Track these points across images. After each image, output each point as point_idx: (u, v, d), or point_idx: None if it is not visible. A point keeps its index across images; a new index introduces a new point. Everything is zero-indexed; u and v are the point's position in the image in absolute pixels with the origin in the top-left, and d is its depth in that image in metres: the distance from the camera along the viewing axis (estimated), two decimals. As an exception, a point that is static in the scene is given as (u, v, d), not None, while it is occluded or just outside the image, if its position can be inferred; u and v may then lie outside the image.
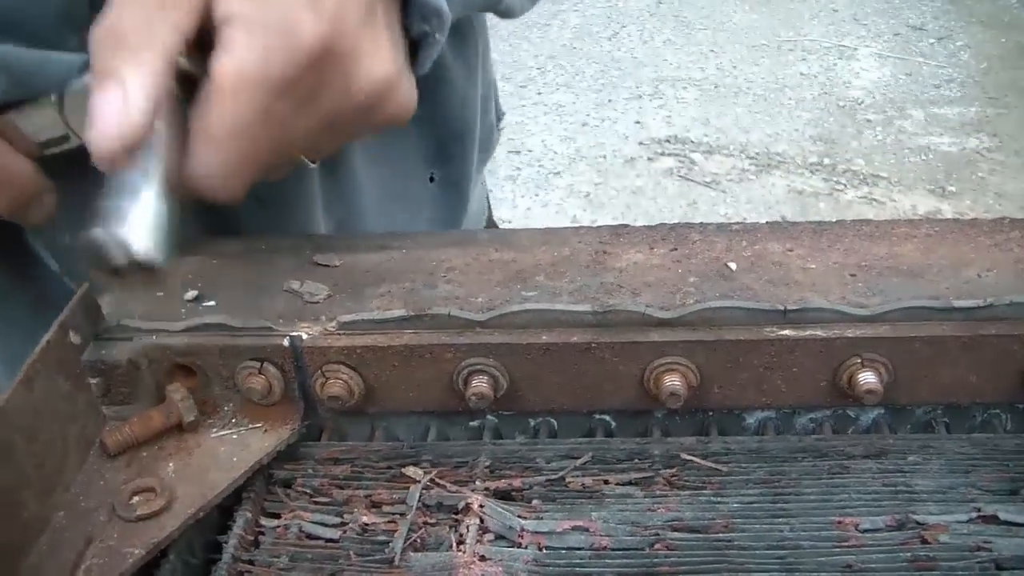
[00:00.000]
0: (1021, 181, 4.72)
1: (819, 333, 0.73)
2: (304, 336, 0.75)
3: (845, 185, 4.82)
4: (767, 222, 0.83)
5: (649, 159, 5.08)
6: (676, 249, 0.81)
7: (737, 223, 0.84)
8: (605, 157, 5.09)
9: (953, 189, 4.72)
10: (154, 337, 0.77)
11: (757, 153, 5.08)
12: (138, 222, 0.70)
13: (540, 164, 5.07)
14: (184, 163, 0.72)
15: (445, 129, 1.14)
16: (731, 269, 0.78)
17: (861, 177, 4.85)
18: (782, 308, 0.73)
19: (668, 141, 5.23)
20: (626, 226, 0.84)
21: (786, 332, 0.73)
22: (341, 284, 0.80)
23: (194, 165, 0.72)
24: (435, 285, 0.79)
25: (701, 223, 0.84)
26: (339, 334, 0.75)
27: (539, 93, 5.76)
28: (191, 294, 0.80)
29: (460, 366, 0.74)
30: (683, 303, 0.74)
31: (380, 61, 0.76)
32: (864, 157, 4.99)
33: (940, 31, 6.16)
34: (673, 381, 0.72)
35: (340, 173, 1.02)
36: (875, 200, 4.68)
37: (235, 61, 0.71)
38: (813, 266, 0.78)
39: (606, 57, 6.15)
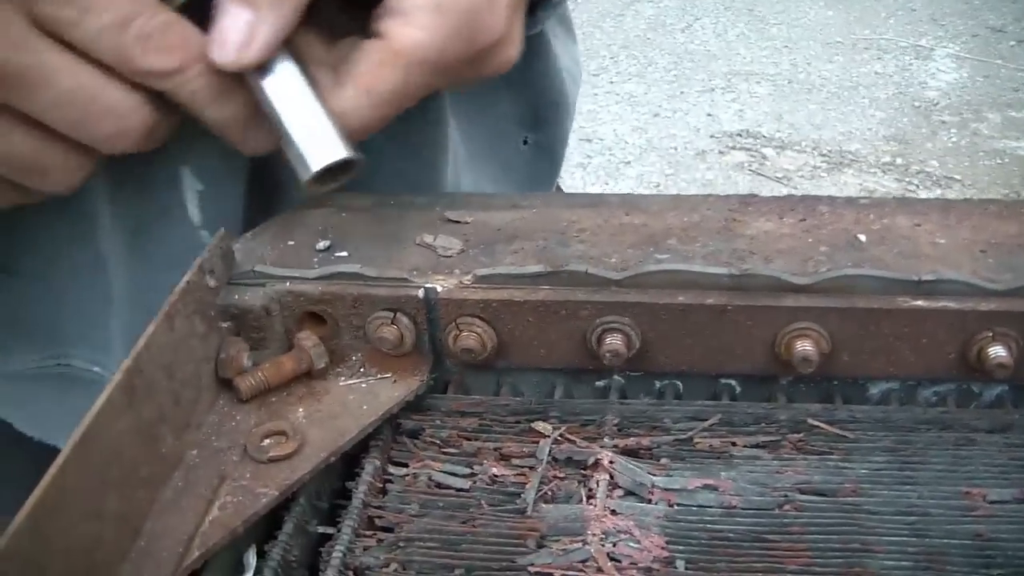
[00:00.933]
0: (1096, 187, 4.69)
1: (951, 305, 0.73)
2: (439, 288, 0.76)
3: (918, 186, 4.80)
4: (894, 197, 0.84)
5: (720, 152, 5.08)
6: (805, 220, 0.81)
7: (864, 197, 0.84)
8: (676, 149, 5.09)
9: (1027, 194, 4.69)
10: (287, 284, 0.78)
11: (829, 151, 5.06)
12: (323, 135, 0.76)
13: (611, 153, 5.07)
14: (330, 97, 0.77)
15: (541, 95, 1.17)
16: (861, 240, 0.78)
17: (934, 179, 4.82)
18: (916, 279, 0.74)
19: (740, 135, 5.22)
20: (755, 196, 0.85)
21: (919, 303, 0.73)
22: (473, 240, 0.81)
23: (345, 108, 0.77)
24: (568, 244, 0.79)
25: (829, 196, 0.85)
26: (475, 287, 0.76)
27: (611, 82, 5.77)
28: (323, 244, 0.82)
29: (595, 324, 0.75)
30: (816, 270, 0.75)
31: (517, 39, 0.83)
32: (938, 159, 4.96)
33: (1020, 34, 6.12)
34: (805, 346, 0.73)
35: (433, 127, 1.04)
36: (948, 202, 4.64)
37: (419, 38, 0.77)
38: (943, 241, 0.78)
39: (679, 49, 6.14)
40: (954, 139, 5.13)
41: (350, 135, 0.76)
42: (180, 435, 0.72)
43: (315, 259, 0.80)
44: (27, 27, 0.72)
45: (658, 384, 0.80)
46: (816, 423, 0.74)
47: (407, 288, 0.77)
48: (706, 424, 0.74)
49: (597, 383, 0.80)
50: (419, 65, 0.78)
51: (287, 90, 0.77)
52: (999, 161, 4.95)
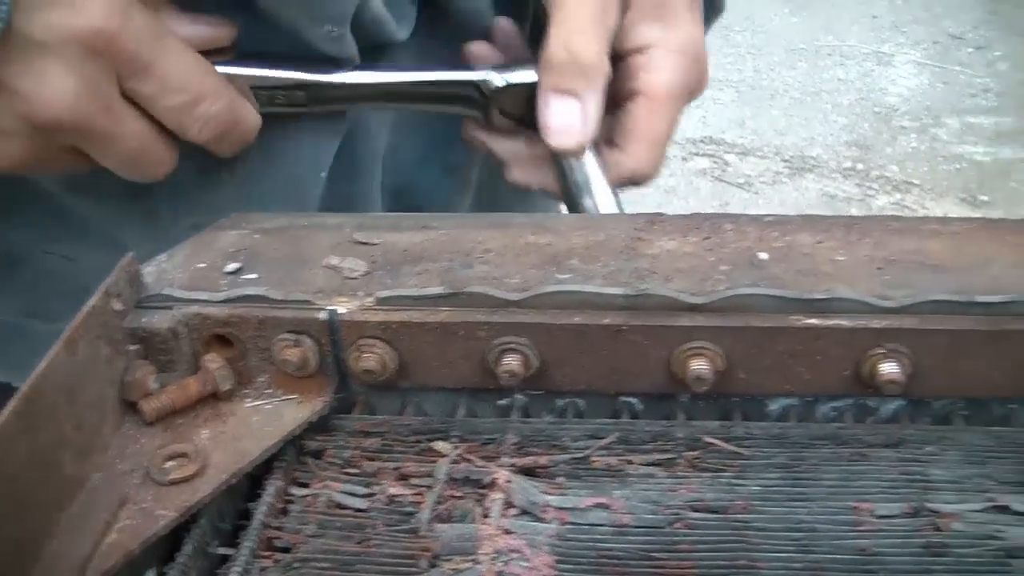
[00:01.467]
0: (1054, 192, 4.72)
1: (844, 323, 0.74)
2: (341, 310, 0.77)
3: (877, 191, 4.83)
4: (799, 215, 0.85)
5: (683, 159, 5.10)
6: (709, 238, 0.82)
7: (770, 215, 0.85)
8: (639, 155, 5.09)
9: (985, 198, 4.72)
10: (194, 307, 0.79)
11: (791, 156, 5.09)
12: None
13: (574, 159, 5.07)
14: (624, 161, 1.01)
15: None
16: (762, 258, 0.79)
17: (894, 184, 4.85)
18: (808, 297, 0.75)
19: (703, 141, 5.24)
20: (661, 215, 0.86)
21: (812, 321, 0.74)
22: (380, 261, 0.82)
23: (640, 164, 1.01)
24: (472, 265, 0.80)
25: (735, 214, 0.86)
26: (376, 309, 0.77)
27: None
28: (232, 266, 0.82)
29: (493, 344, 0.76)
30: (713, 289, 0.76)
31: None
32: (898, 164, 4.99)
33: (979, 40, 6.15)
34: (700, 365, 0.74)
35: None
36: (907, 207, 4.69)
37: (665, 79, 1.00)
38: (842, 258, 0.80)
39: (643, 56, 6.14)
40: (914, 144, 5.16)
41: (641, 180, 1.02)
42: (82, 459, 0.72)
43: (224, 282, 0.81)
44: (116, 94, 0.89)
45: (560, 402, 0.80)
46: (712, 440, 0.75)
47: (310, 311, 0.77)
48: (603, 442, 0.75)
49: (499, 402, 0.81)
50: (674, 101, 1.00)
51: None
52: (957, 166, 4.98)
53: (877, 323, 0.74)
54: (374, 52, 1.07)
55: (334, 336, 0.78)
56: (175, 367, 0.79)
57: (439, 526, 0.70)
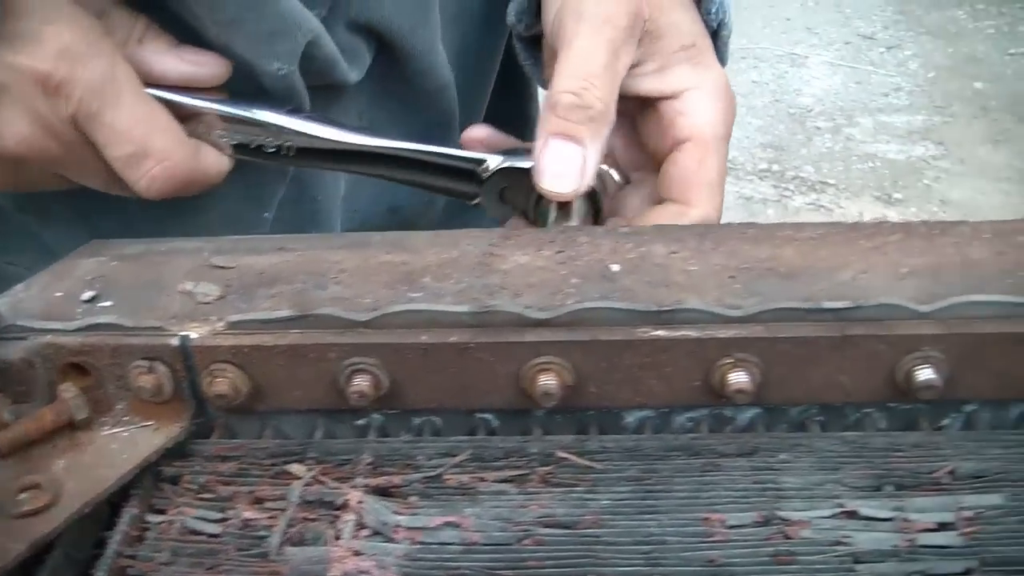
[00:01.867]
0: (965, 188, 4.78)
1: (691, 333, 0.74)
2: (193, 336, 0.77)
3: (793, 192, 4.86)
4: (653, 226, 0.85)
5: (600, 165, 5.10)
6: (562, 251, 0.82)
7: (625, 226, 0.86)
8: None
9: (899, 196, 4.76)
10: (48, 337, 0.78)
11: (707, 159, 5.09)
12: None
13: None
14: (682, 212, 0.97)
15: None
16: (613, 271, 0.79)
17: (809, 184, 4.89)
18: (656, 309, 0.75)
19: (619, 147, 5.24)
20: (517, 230, 0.86)
21: (659, 332, 0.74)
22: (235, 285, 0.81)
23: (703, 212, 0.97)
24: (325, 286, 0.80)
25: (591, 227, 0.86)
26: (227, 334, 0.77)
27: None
28: (88, 295, 0.81)
29: (343, 365, 0.76)
30: (562, 303, 0.76)
31: None
32: (813, 164, 5.03)
33: (890, 40, 6.22)
34: (548, 380, 0.74)
35: None
36: (823, 207, 4.72)
37: (711, 121, 1.00)
38: (694, 268, 0.80)
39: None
40: (828, 144, 5.21)
41: None
42: (-66, 495, 0.71)
43: (79, 310, 0.80)
44: (73, 133, 0.93)
45: (417, 421, 0.80)
46: (565, 455, 0.75)
47: (163, 337, 0.77)
48: (456, 460, 0.75)
49: (357, 422, 0.81)
50: (722, 142, 1.00)
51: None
52: (871, 165, 5.03)
53: (724, 333, 0.74)
54: (325, 94, 1.07)
55: (187, 362, 0.77)
56: (31, 397, 0.79)
57: (290, 549, 0.69)
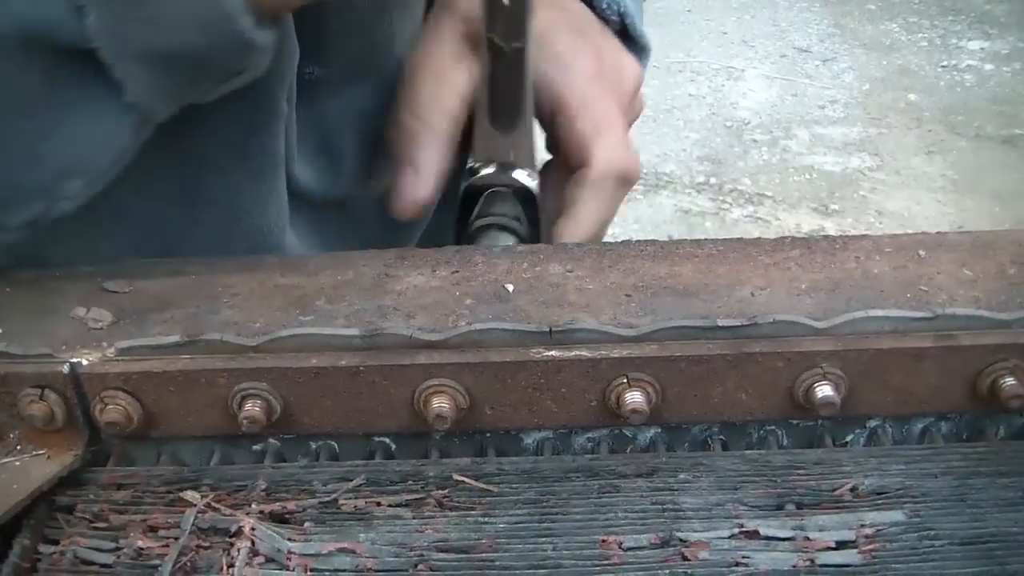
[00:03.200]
0: (901, 199, 4.81)
1: (585, 354, 0.74)
2: (84, 362, 0.75)
3: (731, 204, 4.87)
4: (550, 244, 0.84)
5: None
6: (458, 271, 0.82)
7: (522, 246, 0.85)
8: (492, 178, 5.10)
9: (836, 207, 4.79)
10: (-64, 366, 0.77)
11: (645, 173, 5.11)
12: None
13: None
14: (587, 174, 0.99)
15: None
16: (508, 291, 0.79)
17: (747, 196, 4.91)
18: (547, 329, 0.74)
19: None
20: (413, 250, 0.85)
21: (552, 353, 0.74)
22: (128, 310, 0.80)
23: (604, 164, 0.99)
24: (218, 311, 0.79)
25: (487, 246, 0.85)
26: (116, 360, 0.75)
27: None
28: (-23, 322, 0.80)
29: (234, 390, 0.75)
30: (454, 325, 0.75)
31: None
32: (750, 176, 5.05)
33: (825, 53, 6.26)
34: (441, 403, 0.73)
35: None
36: (760, 219, 4.74)
37: (579, 71, 1.01)
38: (591, 287, 0.79)
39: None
40: (765, 157, 5.23)
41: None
42: None
43: (-32, 338, 0.79)
44: None
45: (314, 445, 0.79)
46: (461, 478, 0.74)
47: (52, 364, 0.75)
48: (351, 485, 0.74)
49: (255, 447, 0.80)
50: (597, 79, 1.02)
51: None
52: (808, 176, 5.05)
53: (618, 352, 0.74)
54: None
55: (78, 389, 0.76)
56: (-76, 429, 0.77)
57: (180, 579, 0.68)
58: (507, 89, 0.96)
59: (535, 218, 1.00)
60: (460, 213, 1.02)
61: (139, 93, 0.76)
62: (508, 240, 0.98)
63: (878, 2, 6.97)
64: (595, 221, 0.99)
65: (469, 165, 1.02)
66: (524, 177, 1.00)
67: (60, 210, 0.82)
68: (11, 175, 0.79)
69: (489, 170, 1.01)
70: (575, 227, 0.97)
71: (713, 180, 5.10)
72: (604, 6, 1.07)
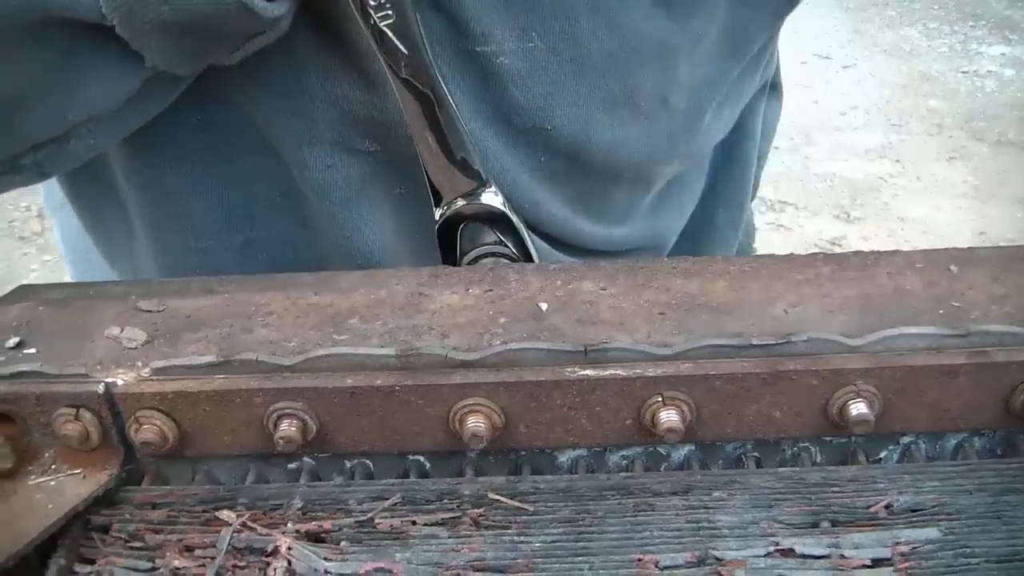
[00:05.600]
0: (922, 206, 4.79)
1: (620, 373, 0.74)
2: (119, 382, 0.76)
3: (753, 212, 4.85)
4: (584, 262, 0.84)
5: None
6: (491, 290, 0.82)
7: (556, 263, 0.85)
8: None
9: (858, 214, 4.77)
10: (-29, 385, 0.77)
11: (668, 182, 5.09)
12: None
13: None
14: None
15: None
16: (542, 309, 0.79)
17: (769, 204, 4.89)
18: (582, 348, 0.74)
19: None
20: (446, 267, 0.85)
21: (587, 372, 0.74)
22: (161, 329, 0.80)
23: None
24: (252, 330, 0.79)
25: (521, 264, 0.86)
26: (152, 380, 0.76)
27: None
28: (12, 341, 0.80)
29: (270, 410, 0.75)
30: (489, 344, 0.75)
31: None
32: (772, 184, 5.03)
33: (846, 60, 6.25)
34: (476, 422, 0.73)
35: None
36: (782, 226, 4.72)
37: None
38: (624, 305, 0.79)
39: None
40: (786, 164, 5.20)
41: None
42: None
43: (2, 357, 0.79)
44: None
45: (348, 464, 0.79)
46: (496, 497, 0.74)
47: (87, 384, 0.76)
48: (387, 504, 0.74)
49: (289, 466, 0.80)
50: None
51: None
52: (829, 183, 5.04)
53: (653, 371, 0.74)
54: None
55: (113, 408, 0.76)
56: (-41, 448, 0.77)
57: (218, 599, 0.68)
58: (447, 119, 0.94)
59: (516, 236, 1.00)
60: (443, 252, 1.01)
61: (158, 59, 0.81)
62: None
63: (898, 8, 6.96)
64: None
65: (439, 213, 1.00)
66: (492, 198, 0.99)
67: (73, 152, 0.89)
68: (31, 125, 0.85)
69: (458, 203, 0.99)
70: None
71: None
72: None
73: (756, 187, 1.40)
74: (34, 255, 4.60)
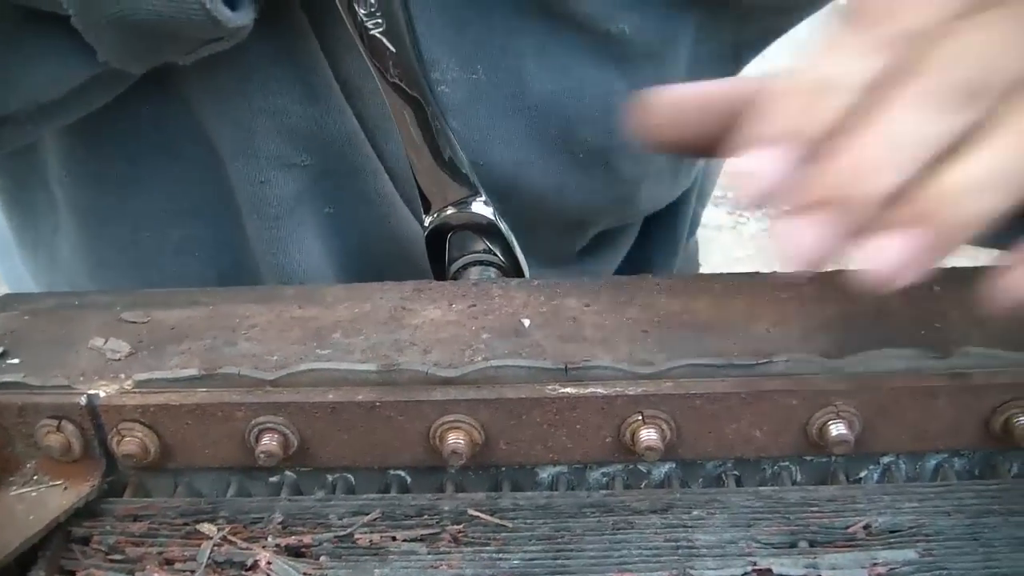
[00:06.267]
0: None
1: (600, 391, 0.74)
2: (101, 394, 0.76)
3: (748, 218, 4.86)
4: (570, 281, 0.84)
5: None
6: (475, 305, 0.82)
7: (540, 279, 0.85)
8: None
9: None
10: (-47, 396, 0.77)
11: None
12: None
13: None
14: None
15: None
16: (524, 325, 0.79)
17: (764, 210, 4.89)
18: (563, 366, 0.75)
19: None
20: (430, 282, 0.85)
21: (567, 390, 0.74)
22: (145, 341, 0.81)
23: None
24: (235, 342, 0.79)
25: (506, 279, 0.86)
26: (134, 392, 0.76)
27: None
28: (-4, 351, 0.81)
29: (251, 424, 0.75)
30: (471, 360, 0.75)
31: None
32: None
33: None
34: (456, 439, 0.73)
35: None
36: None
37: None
38: (607, 322, 0.79)
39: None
40: (782, 170, 5.21)
41: None
42: None
43: (-14, 367, 0.79)
44: None
45: (330, 478, 0.80)
46: (476, 513, 0.74)
47: (70, 395, 0.76)
48: (366, 519, 0.74)
49: (271, 479, 0.80)
50: None
51: None
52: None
53: (633, 390, 0.74)
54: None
55: (95, 420, 0.76)
56: (-59, 459, 0.78)
57: (196, 614, 0.69)
58: (437, 125, 0.94)
59: (505, 246, 1.00)
60: (431, 259, 1.02)
61: (110, 55, 0.81)
62: (490, 274, 0.99)
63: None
64: None
65: (428, 220, 1.00)
66: (482, 208, 0.99)
67: (7, 136, 0.91)
68: None
69: (448, 211, 0.99)
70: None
71: (731, 193, 5.09)
72: None
73: (696, 224, 1.39)
74: None
